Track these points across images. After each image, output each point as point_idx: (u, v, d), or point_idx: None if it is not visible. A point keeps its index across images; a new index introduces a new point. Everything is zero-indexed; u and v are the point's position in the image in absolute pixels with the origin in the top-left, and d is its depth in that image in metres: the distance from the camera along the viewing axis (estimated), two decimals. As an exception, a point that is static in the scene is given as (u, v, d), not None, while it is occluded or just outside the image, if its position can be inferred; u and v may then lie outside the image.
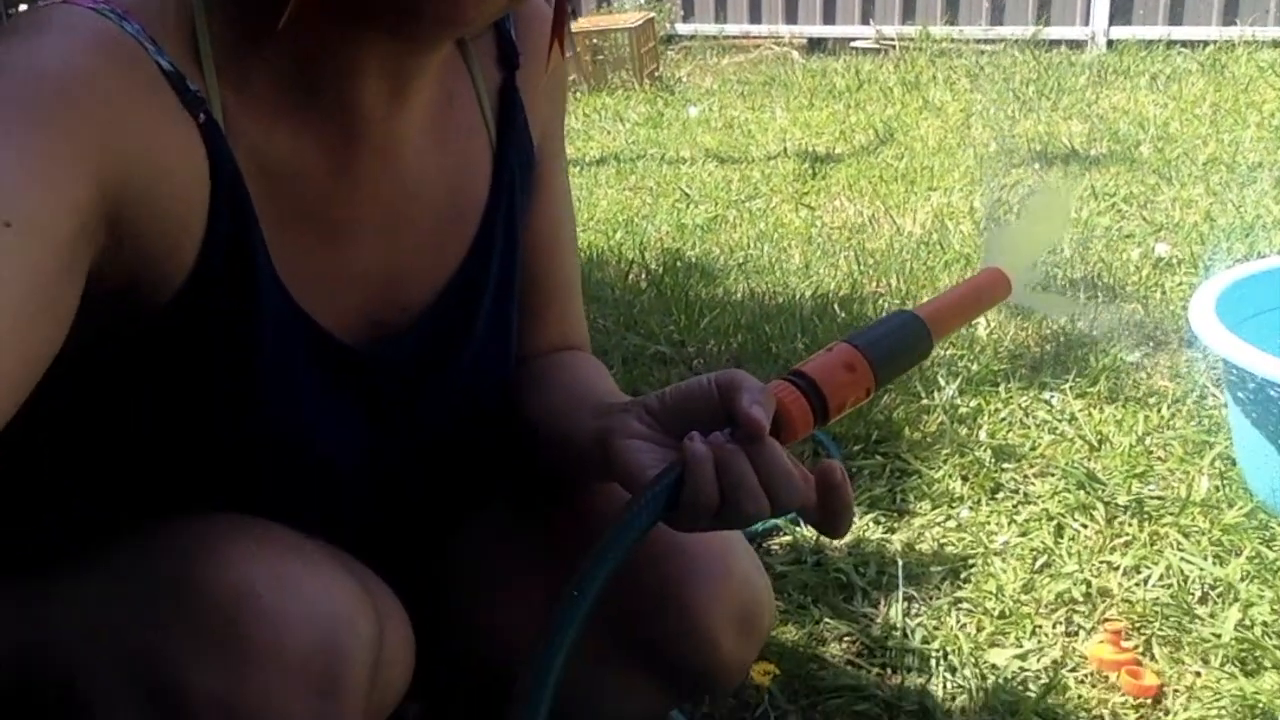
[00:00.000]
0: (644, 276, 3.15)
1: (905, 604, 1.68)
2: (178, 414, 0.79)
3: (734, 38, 7.20)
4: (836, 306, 2.81)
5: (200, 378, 0.78)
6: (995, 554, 1.79)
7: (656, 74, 6.31)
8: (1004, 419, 2.20)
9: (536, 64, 0.94)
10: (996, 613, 1.65)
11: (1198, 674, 1.52)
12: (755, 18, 7.28)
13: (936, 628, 1.63)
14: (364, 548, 0.85)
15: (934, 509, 1.91)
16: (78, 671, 0.73)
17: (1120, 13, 6.39)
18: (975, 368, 2.39)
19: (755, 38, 7.19)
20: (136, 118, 0.69)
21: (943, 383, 2.32)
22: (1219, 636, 1.56)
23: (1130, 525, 1.83)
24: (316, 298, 0.82)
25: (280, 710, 0.71)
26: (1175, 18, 6.30)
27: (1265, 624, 1.59)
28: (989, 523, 1.87)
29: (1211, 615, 1.62)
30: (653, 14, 6.59)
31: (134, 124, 0.68)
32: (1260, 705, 1.44)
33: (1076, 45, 6.38)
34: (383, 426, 0.89)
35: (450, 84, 0.88)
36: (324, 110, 0.78)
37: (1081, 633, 1.62)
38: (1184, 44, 6.08)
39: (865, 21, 6.94)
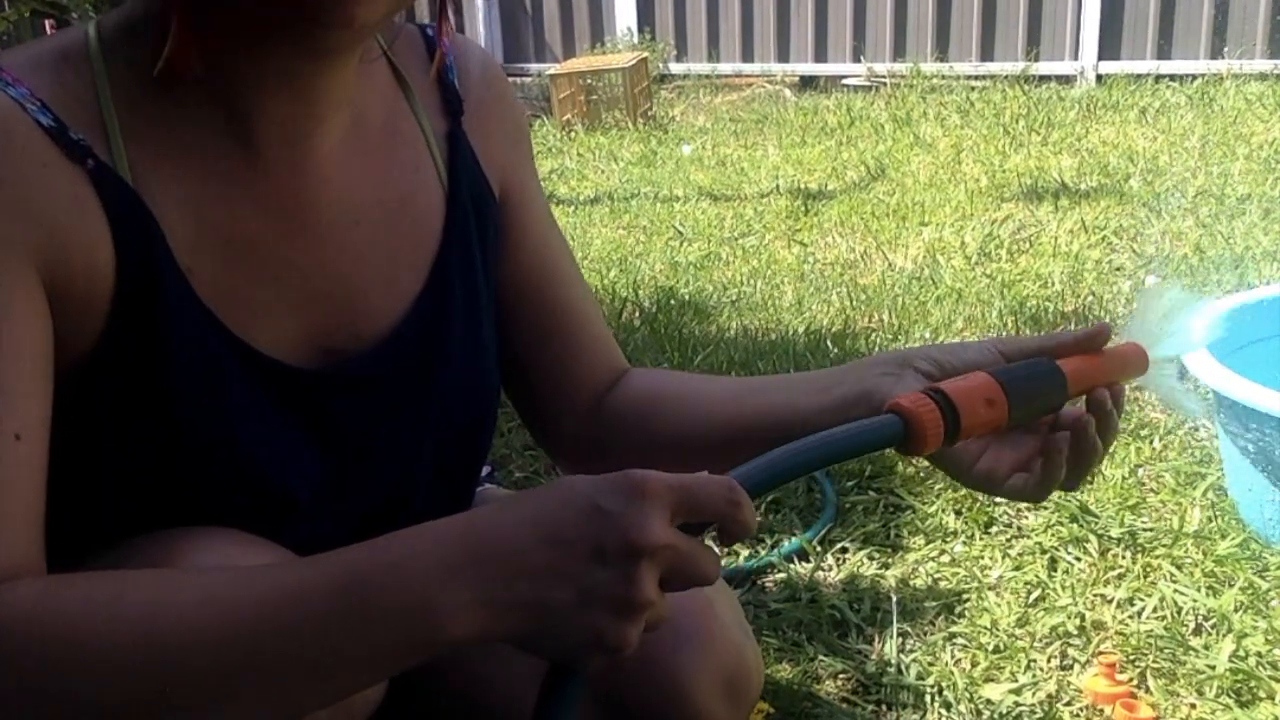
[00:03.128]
0: (638, 314, 3.16)
1: (900, 640, 1.68)
2: (130, 450, 0.81)
3: (726, 76, 7.26)
4: (829, 342, 2.83)
5: (134, 413, 0.80)
6: (989, 588, 1.79)
7: (650, 113, 6.36)
8: (997, 452, 2.20)
9: (483, 110, 0.97)
10: (991, 647, 1.65)
11: (1193, 706, 1.52)
12: (747, 56, 7.36)
13: (931, 663, 1.63)
14: None
15: (928, 544, 1.92)
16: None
17: (1109, 47, 6.46)
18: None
19: (747, 76, 7.26)
20: (25, 186, 0.73)
21: (935, 417, 2.33)
22: (1213, 668, 1.56)
23: (1123, 557, 1.84)
24: (256, 325, 0.83)
25: None
26: (1164, 52, 6.37)
27: (1259, 654, 1.59)
28: (982, 557, 1.87)
29: (1206, 647, 1.62)
30: (646, 54, 6.65)
31: (28, 192, 0.73)
32: (1255, 737, 1.44)
33: (1066, 80, 6.44)
34: (345, 451, 0.89)
35: (394, 123, 0.91)
36: (236, 138, 0.80)
37: (1076, 666, 1.62)
38: (1172, 78, 6.14)
39: (856, 59, 7.01)
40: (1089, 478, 0.86)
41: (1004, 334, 2.84)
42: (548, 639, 0.66)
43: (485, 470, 1.18)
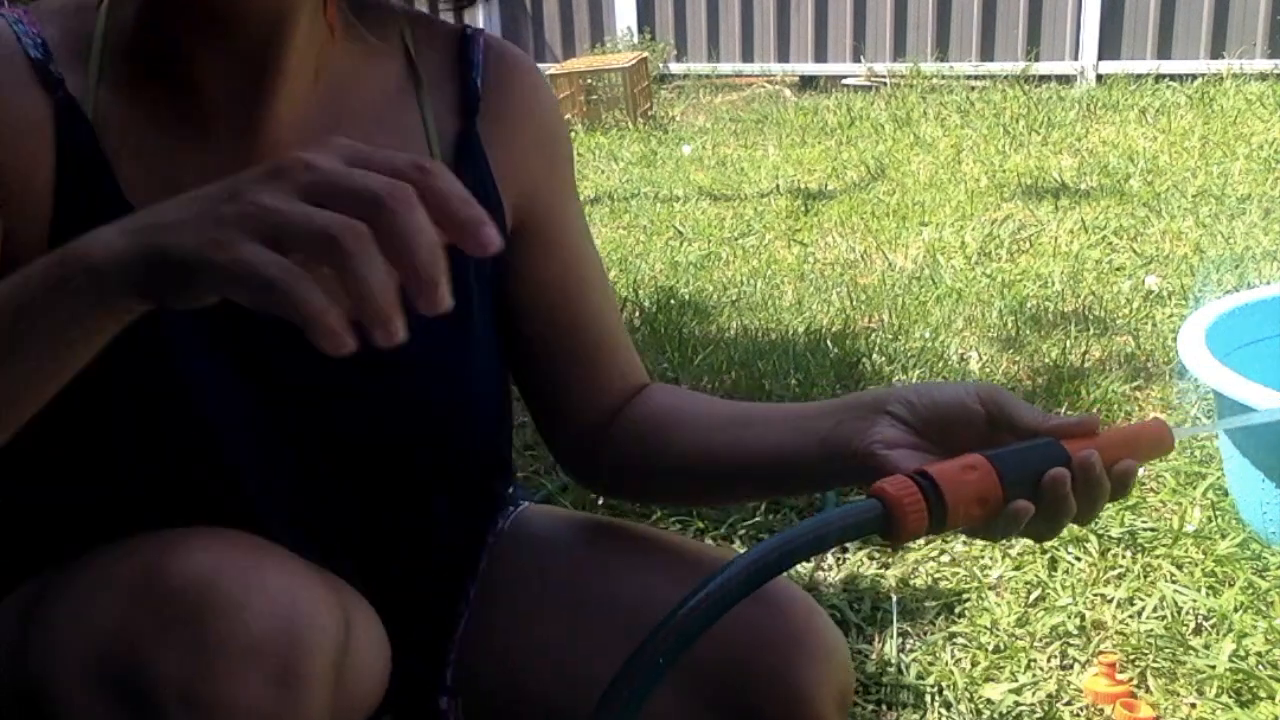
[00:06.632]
0: (638, 314, 3.16)
1: (900, 640, 1.68)
2: (83, 402, 0.80)
3: (726, 76, 7.26)
4: (829, 342, 2.83)
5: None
6: (989, 588, 1.79)
7: (650, 113, 6.36)
8: (997, 452, 2.20)
9: (508, 119, 0.96)
10: (991, 647, 1.65)
11: (1193, 705, 1.52)
12: (747, 56, 7.36)
13: (931, 663, 1.63)
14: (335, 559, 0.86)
15: (928, 544, 1.92)
16: (51, 672, 0.73)
17: (1109, 47, 6.46)
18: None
19: (747, 76, 7.26)
20: None
21: (935, 417, 2.33)
22: (1213, 667, 1.56)
23: (1123, 557, 1.84)
24: None
25: (239, 698, 0.71)
26: (1164, 51, 6.38)
27: (1259, 654, 1.59)
28: (982, 557, 1.87)
29: (1206, 646, 1.62)
30: (646, 54, 6.66)
31: None
32: (1255, 737, 1.45)
33: (1066, 80, 6.44)
34: (288, 402, 0.88)
35: (389, 113, 0.91)
36: (192, 99, 0.83)
37: (1076, 666, 1.62)
38: (1172, 77, 6.14)
39: (856, 59, 7.01)
40: (1056, 532, 0.82)
41: (1003, 334, 2.84)
42: (174, 243, 0.60)
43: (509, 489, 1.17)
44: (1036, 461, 0.78)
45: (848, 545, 1.92)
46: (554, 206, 1.00)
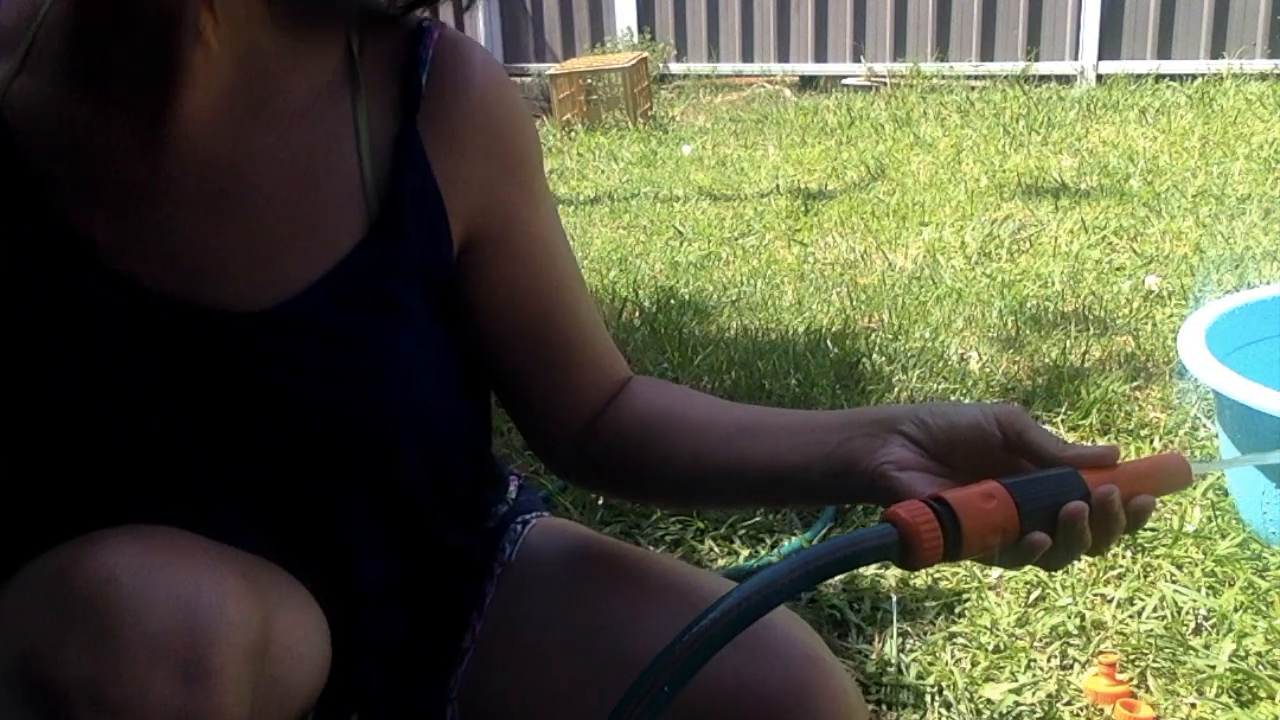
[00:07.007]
0: (638, 314, 3.16)
1: (900, 640, 1.68)
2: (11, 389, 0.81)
3: (726, 76, 7.26)
4: (829, 342, 2.83)
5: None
6: (989, 588, 1.79)
7: (650, 113, 6.36)
8: (997, 452, 2.20)
9: (454, 121, 0.91)
10: (991, 647, 1.65)
11: (1193, 705, 1.52)
12: (747, 56, 7.36)
13: (931, 663, 1.63)
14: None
15: (928, 543, 1.91)
16: None
17: (1109, 47, 6.46)
18: (968, 401, 2.40)
19: (747, 76, 7.26)
20: None
21: (935, 417, 2.33)
22: (1213, 668, 1.56)
23: (1124, 557, 1.84)
24: (136, 260, 0.84)
25: (145, 696, 0.71)
26: (1164, 51, 6.38)
27: (1259, 654, 1.59)
28: (983, 556, 1.87)
29: (1206, 646, 1.62)
30: (646, 54, 6.66)
31: None
32: (1255, 737, 1.45)
33: (1066, 80, 6.44)
34: (214, 406, 0.86)
35: (318, 108, 0.89)
36: (103, 82, 0.83)
37: (1076, 666, 1.62)
38: (1172, 77, 6.14)
39: (856, 59, 7.01)
40: (1068, 562, 0.81)
41: (1003, 334, 2.84)
42: None
43: (515, 484, 1.13)
44: (1055, 493, 0.76)
45: (848, 545, 1.92)
46: (518, 214, 0.95)
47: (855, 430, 0.85)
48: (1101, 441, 2.20)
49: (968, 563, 1.85)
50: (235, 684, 0.73)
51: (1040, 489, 0.76)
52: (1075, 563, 1.82)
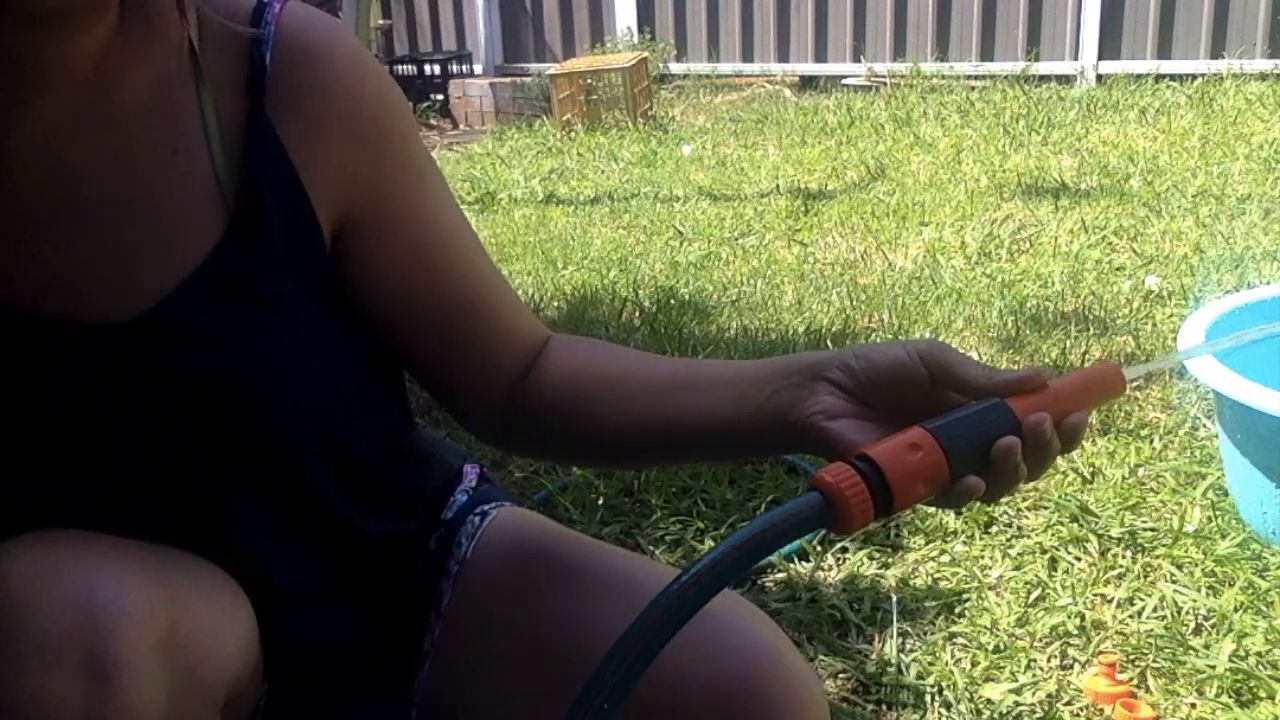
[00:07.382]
0: (638, 314, 3.16)
1: (900, 640, 1.68)
2: None
3: (726, 76, 7.27)
4: (829, 342, 2.83)
5: None
6: (989, 588, 1.79)
7: (650, 113, 6.36)
8: (997, 452, 2.20)
9: (302, 99, 0.87)
10: (991, 647, 1.65)
11: (1193, 705, 1.52)
12: (747, 56, 7.36)
13: (931, 663, 1.63)
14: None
15: (928, 544, 1.92)
16: None
17: (1109, 47, 6.47)
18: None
19: (747, 76, 7.26)
20: None
21: (935, 417, 2.33)
22: (1213, 667, 1.56)
23: (1123, 557, 1.84)
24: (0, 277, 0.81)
25: (48, 695, 0.70)
26: (1164, 51, 6.38)
27: (1259, 654, 1.59)
28: (982, 557, 1.87)
29: (1205, 646, 1.62)
30: (646, 54, 6.66)
31: None
32: (1255, 737, 1.45)
33: (1066, 80, 6.44)
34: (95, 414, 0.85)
35: (160, 103, 0.85)
36: None
37: (1076, 666, 1.62)
38: (1172, 77, 6.14)
39: (856, 59, 7.01)
40: (1005, 494, 0.78)
41: (1003, 334, 2.84)
42: None
43: (474, 472, 1.12)
44: (983, 431, 0.74)
45: (848, 545, 1.92)
46: (394, 192, 0.91)
47: (783, 381, 0.83)
48: (1101, 442, 2.20)
49: (968, 563, 1.85)
50: (142, 675, 0.73)
51: (967, 429, 0.73)
52: (1075, 563, 1.82)
